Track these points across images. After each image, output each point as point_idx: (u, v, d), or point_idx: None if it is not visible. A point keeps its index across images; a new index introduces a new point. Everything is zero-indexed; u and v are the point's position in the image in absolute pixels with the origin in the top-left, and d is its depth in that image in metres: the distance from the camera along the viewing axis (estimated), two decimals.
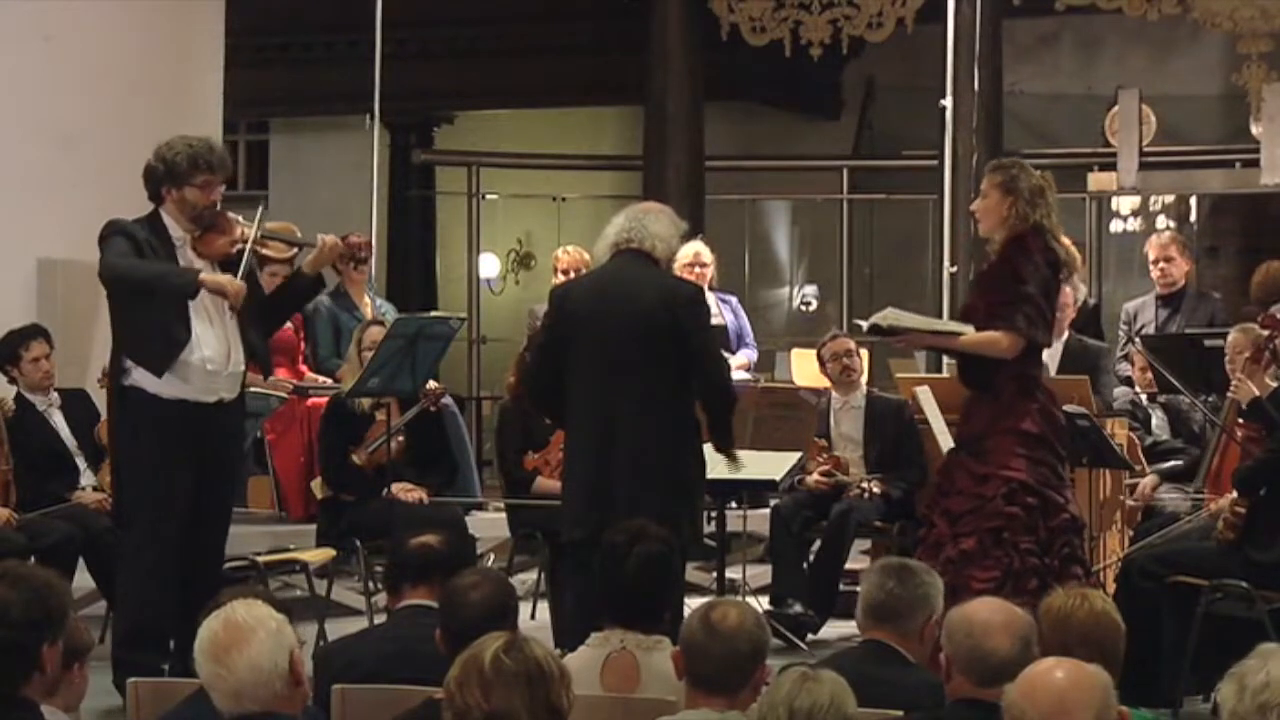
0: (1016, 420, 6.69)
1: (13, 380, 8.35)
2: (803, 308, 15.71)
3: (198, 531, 6.93)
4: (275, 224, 7.25)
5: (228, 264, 6.94)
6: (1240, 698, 3.31)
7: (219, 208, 6.97)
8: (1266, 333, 7.40)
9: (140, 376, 6.85)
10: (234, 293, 6.77)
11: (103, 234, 6.92)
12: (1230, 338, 7.86)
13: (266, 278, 7.12)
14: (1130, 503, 8.37)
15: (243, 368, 7.06)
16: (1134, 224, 14.04)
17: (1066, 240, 9.57)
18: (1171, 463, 8.63)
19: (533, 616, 8.62)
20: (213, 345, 6.86)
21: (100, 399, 8.50)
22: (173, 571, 6.81)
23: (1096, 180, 12.54)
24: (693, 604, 4.57)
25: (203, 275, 6.77)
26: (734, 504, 8.58)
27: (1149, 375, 9.01)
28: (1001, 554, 6.58)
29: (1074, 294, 8.36)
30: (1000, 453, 6.66)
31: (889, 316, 6.85)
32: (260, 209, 7.07)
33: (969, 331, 6.75)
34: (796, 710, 3.59)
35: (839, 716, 3.61)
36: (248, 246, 6.93)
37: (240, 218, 7.01)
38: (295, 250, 7.09)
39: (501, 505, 9.02)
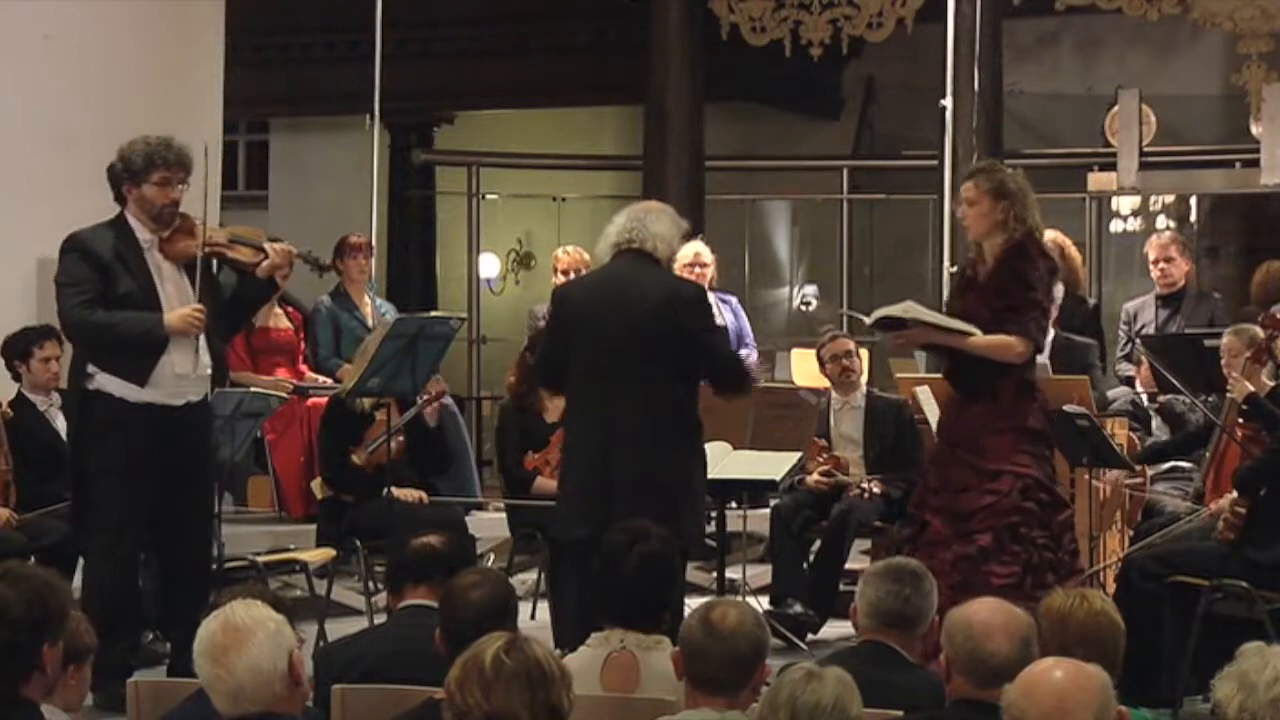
0: (1022, 419, 6.74)
1: (17, 377, 8.38)
2: (803, 308, 15.70)
3: (178, 533, 6.95)
4: (241, 228, 7.29)
5: (192, 266, 6.97)
6: (1251, 693, 3.32)
7: (180, 208, 7.00)
8: (1265, 333, 7.40)
9: (105, 380, 6.88)
10: (198, 327, 6.87)
11: (61, 249, 6.96)
12: (1224, 340, 7.85)
13: None
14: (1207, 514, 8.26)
15: (209, 371, 7.10)
16: (1134, 224, 14.03)
17: (1066, 240, 9.67)
18: (1173, 463, 8.64)
19: (533, 616, 8.62)
20: (181, 350, 6.90)
21: None
22: (129, 585, 6.87)
23: (1096, 180, 12.54)
24: (693, 604, 4.57)
25: (166, 321, 6.84)
26: (734, 504, 8.58)
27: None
28: (1020, 549, 6.62)
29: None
30: (1007, 450, 6.69)
31: (910, 309, 6.81)
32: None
33: (978, 334, 6.75)
34: (798, 709, 3.58)
35: (841, 716, 3.60)
36: (202, 252, 6.96)
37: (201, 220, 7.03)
38: (263, 255, 7.11)
39: (501, 505, 9.02)
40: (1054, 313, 8.57)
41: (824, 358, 9.07)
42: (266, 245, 7.17)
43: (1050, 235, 9.50)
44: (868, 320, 6.93)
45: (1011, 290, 6.72)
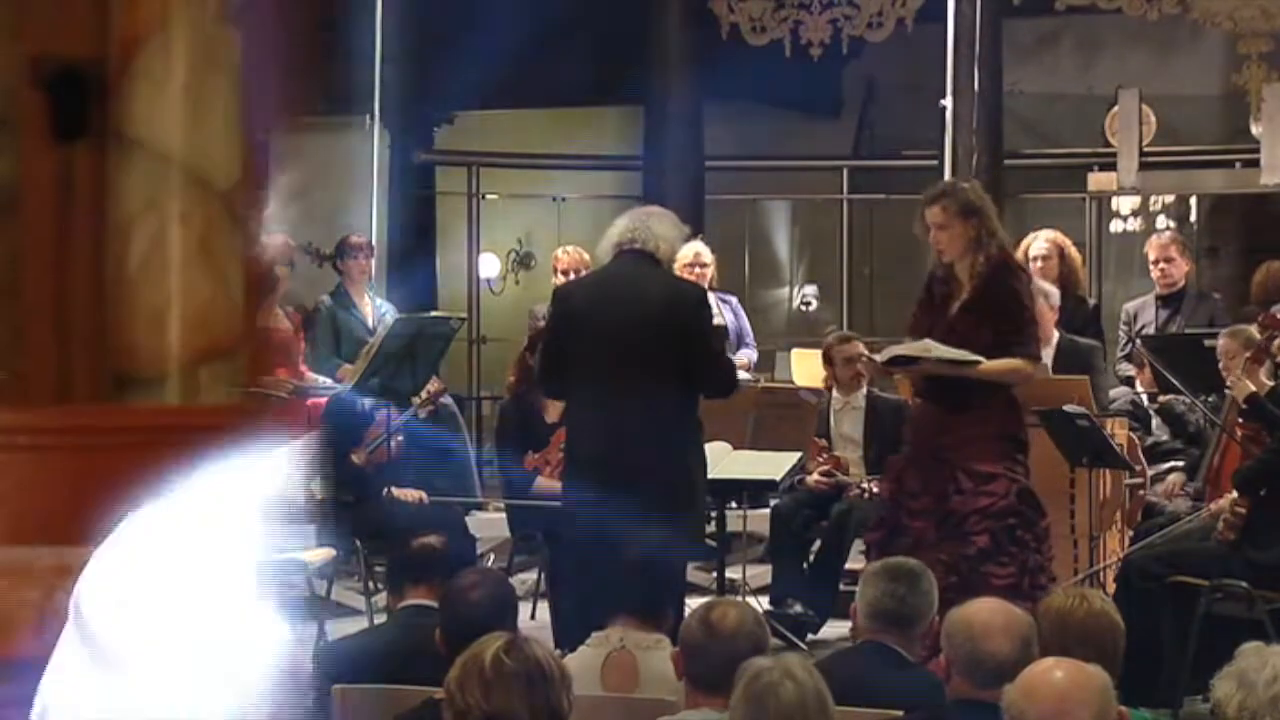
0: (1013, 427, 6.83)
1: None
2: (803, 308, 15.70)
3: None
4: None
5: None
6: (1250, 692, 3.33)
7: None
8: (1264, 334, 7.39)
9: None
10: None
11: None
12: (1220, 343, 7.84)
13: None
14: (1151, 498, 8.40)
15: None
16: (1134, 224, 14.02)
17: (1066, 240, 9.67)
18: (1172, 464, 8.64)
19: (533, 616, 8.62)
20: None
21: None
22: None
23: (1096, 180, 12.53)
24: (693, 604, 4.57)
25: None
26: (734, 504, 8.58)
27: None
28: (1016, 550, 6.68)
29: (1046, 299, 8.35)
30: (1000, 455, 6.74)
31: (931, 347, 6.79)
32: None
33: (983, 361, 6.73)
34: (781, 711, 3.54)
35: (821, 706, 3.56)
36: None
37: None
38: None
39: (501, 505, 9.02)
40: (1052, 315, 8.61)
41: (835, 358, 9.02)
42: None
43: (1050, 235, 9.58)
44: (879, 359, 6.96)
45: (1012, 310, 6.76)
